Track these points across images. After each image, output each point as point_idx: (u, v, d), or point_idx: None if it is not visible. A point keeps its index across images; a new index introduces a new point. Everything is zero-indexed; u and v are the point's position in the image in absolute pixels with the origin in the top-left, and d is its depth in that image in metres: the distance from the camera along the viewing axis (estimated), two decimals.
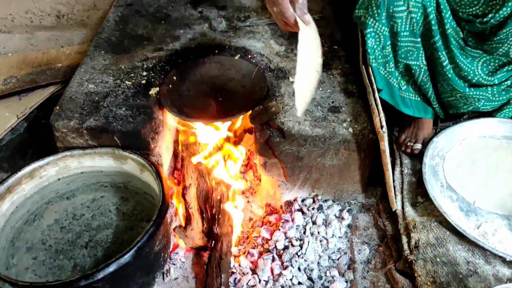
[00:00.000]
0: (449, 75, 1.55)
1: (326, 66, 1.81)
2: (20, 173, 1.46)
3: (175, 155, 1.91)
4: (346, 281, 1.53)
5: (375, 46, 1.55)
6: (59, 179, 1.57)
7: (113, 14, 2.16)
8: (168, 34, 2.03)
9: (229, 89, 1.77)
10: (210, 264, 1.55)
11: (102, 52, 1.91)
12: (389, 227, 1.62)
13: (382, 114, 1.53)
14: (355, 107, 1.66)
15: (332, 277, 1.54)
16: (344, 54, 1.92)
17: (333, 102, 1.68)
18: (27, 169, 1.48)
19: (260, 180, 1.90)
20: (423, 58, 1.57)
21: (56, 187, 1.58)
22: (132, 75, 1.78)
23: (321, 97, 1.70)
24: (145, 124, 1.58)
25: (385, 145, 1.50)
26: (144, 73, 1.79)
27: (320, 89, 1.73)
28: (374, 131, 1.54)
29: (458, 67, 1.54)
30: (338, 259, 1.60)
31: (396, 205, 1.60)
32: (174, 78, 1.78)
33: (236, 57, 1.88)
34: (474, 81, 1.56)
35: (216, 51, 1.91)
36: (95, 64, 1.83)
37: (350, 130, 1.57)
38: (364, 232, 1.66)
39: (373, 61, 1.57)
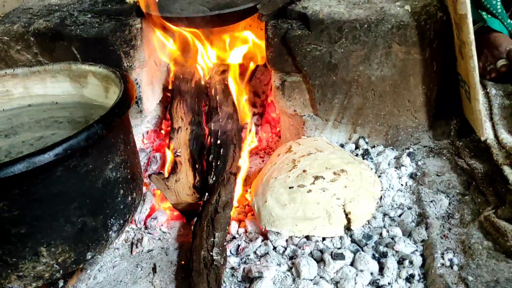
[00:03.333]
0: None
1: None
2: None
3: (165, 104, 1.44)
4: (415, 242, 0.94)
5: None
6: None
7: None
8: None
9: None
10: (200, 222, 1.01)
11: None
12: (478, 165, 1.04)
13: None
14: None
15: (392, 238, 0.95)
16: None
17: None
18: None
19: (280, 137, 1.38)
20: None
21: None
22: None
23: None
24: (114, 31, 1.14)
25: (468, 15, 0.95)
26: None
27: None
28: (444, 6, 1.03)
29: None
30: (399, 216, 1.01)
31: (486, 133, 1.04)
32: None
33: None
34: None
35: None
36: None
37: (407, 7, 1.04)
38: (437, 178, 1.07)
39: None
